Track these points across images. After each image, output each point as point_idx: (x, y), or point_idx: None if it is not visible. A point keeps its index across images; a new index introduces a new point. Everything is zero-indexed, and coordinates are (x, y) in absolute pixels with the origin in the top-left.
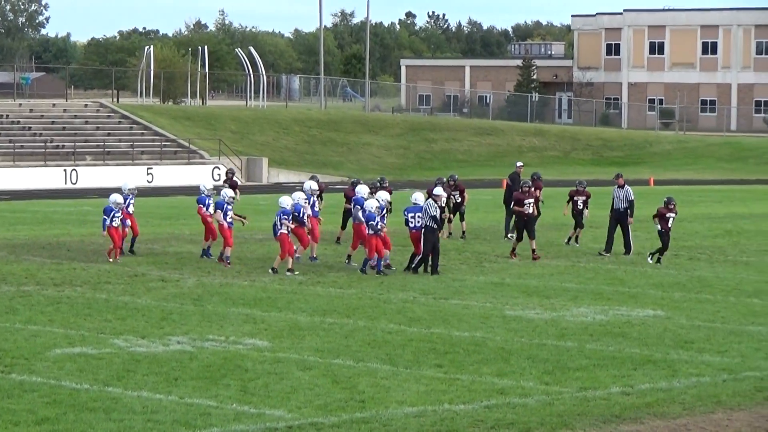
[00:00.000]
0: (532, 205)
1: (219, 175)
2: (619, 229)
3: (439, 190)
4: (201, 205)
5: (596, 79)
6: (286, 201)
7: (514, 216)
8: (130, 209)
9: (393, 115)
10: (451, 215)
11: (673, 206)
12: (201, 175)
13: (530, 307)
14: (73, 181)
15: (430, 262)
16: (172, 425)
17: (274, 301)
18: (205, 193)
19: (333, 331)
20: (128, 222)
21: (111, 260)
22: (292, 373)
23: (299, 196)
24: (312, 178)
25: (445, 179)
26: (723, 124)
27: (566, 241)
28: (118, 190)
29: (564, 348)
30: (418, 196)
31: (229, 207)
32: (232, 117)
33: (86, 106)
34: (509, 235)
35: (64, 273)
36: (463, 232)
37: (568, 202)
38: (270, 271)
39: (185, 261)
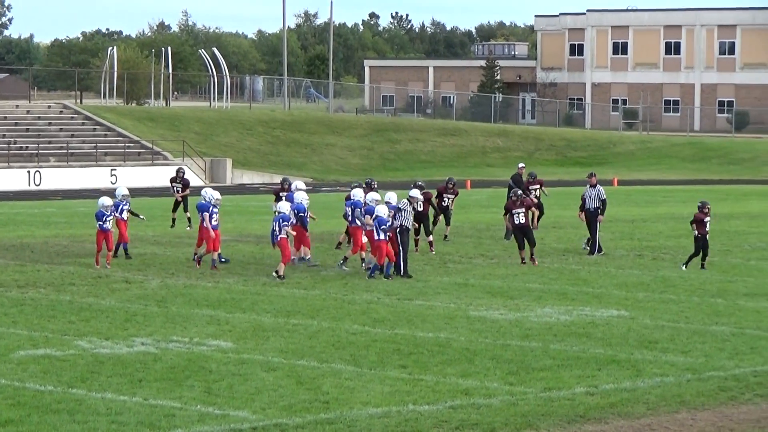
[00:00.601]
0: (523, 214)
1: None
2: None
3: (415, 192)
4: (205, 212)
5: (560, 79)
6: (285, 206)
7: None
8: (124, 215)
9: (356, 116)
10: (438, 218)
11: (708, 209)
12: (165, 176)
13: (494, 307)
14: (37, 182)
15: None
16: (137, 426)
17: (238, 302)
18: (206, 200)
19: (297, 332)
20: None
21: (98, 266)
22: (256, 375)
23: (302, 197)
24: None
25: (425, 185)
26: (686, 125)
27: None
28: (109, 194)
29: (528, 348)
30: (392, 196)
31: (216, 209)
32: (196, 118)
33: (49, 107)
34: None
35: (28, 275)
36: (445, 236)
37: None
38: (276, 277)
39: (149, 262)
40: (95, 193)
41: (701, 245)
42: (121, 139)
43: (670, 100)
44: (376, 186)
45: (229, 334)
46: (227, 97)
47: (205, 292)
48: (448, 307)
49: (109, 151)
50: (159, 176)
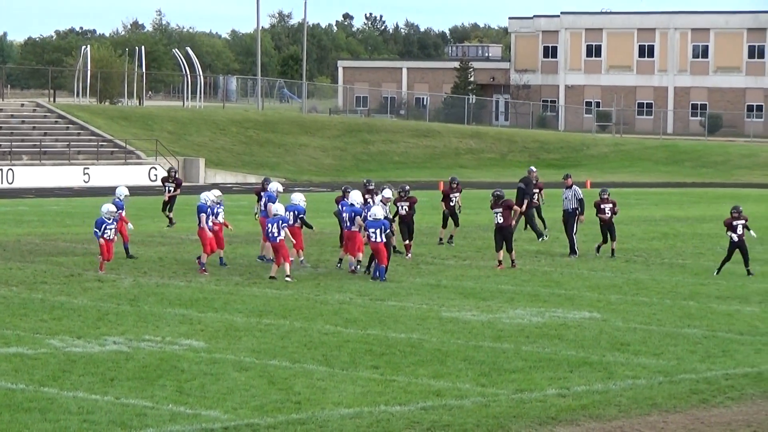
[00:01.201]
0: (501, 215)
1: (155, 175)
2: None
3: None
4: (203, 215)
5: (533, 81)
6: (280, 208)
7: (523, 218)
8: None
9: (330, 117)
10: (447, 219)
11: (738, 213)
12: (138, 175)
13: (467, 308)
14: (9, 180)
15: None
16: (108, 426)
17: (210, 301)
18: (208, 203)
19: (269, 332)
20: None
21: (102, 271)
22: (228, 374)
23: (300, 198)
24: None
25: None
26: (659, 127)
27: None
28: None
29: (500, 350)
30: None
31: (220, 208)
32: (169, 117)
33: (23, 105)
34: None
35: (0, 273)
36: (451, 236)
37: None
38: (287, 279)
39: (121, 261)
40: (68, 192)
41: (741, 248)
42: (94, 137)
43: (643, 103)
44: (372, 186)
45: (201, 333)
46: (201, 97)
47: (177, 292)
48: (421, 308)
49: (83, 149)
50: (131, 175)
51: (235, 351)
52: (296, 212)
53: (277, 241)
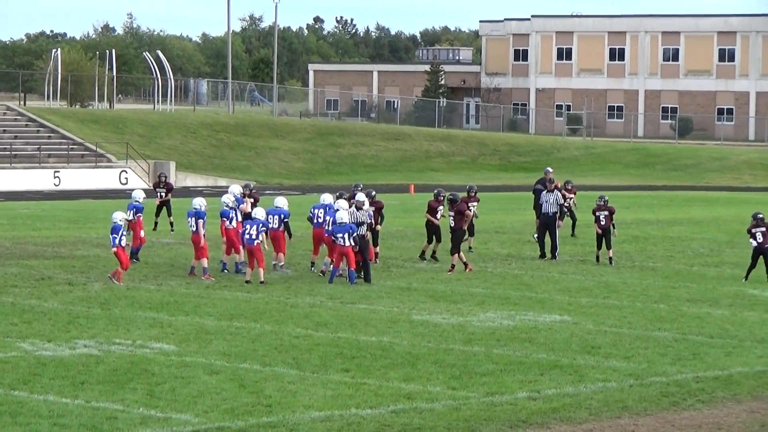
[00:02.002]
0: (451, 218)
1: (126, 178)
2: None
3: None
4: (225, 219)
5: (504, 84)
6: (261, 213)
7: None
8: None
9: (301, 120)
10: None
11: (757, 221)
12: (108, 179)
13: (437, 311)
14: None
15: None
16: (79, 429)
17: (181, 305)
18: (229, 206)
19: (240, 336)
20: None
21: (118, 282)
22: (198, 378)
23: (284, 202)
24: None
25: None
26: (630, 130)
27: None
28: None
29: (471, 353)
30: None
31: (234, 213)
32: (140, 121)
33: None
34: (535, 236)
35: None
36: (470, 247)
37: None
38: (260, 284)
39: (92, 264)
40: (38, 195)
41: (763, 255)
42: (64, 141)
43: (614, 106)
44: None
45: (171, 336)
46: (171, 100)
47: (147, 295)
48: (391, 311)
49: (53, 152)
50: (102, 178)
51: (206, 354)
52: (281, 216)
53: (254, 244)
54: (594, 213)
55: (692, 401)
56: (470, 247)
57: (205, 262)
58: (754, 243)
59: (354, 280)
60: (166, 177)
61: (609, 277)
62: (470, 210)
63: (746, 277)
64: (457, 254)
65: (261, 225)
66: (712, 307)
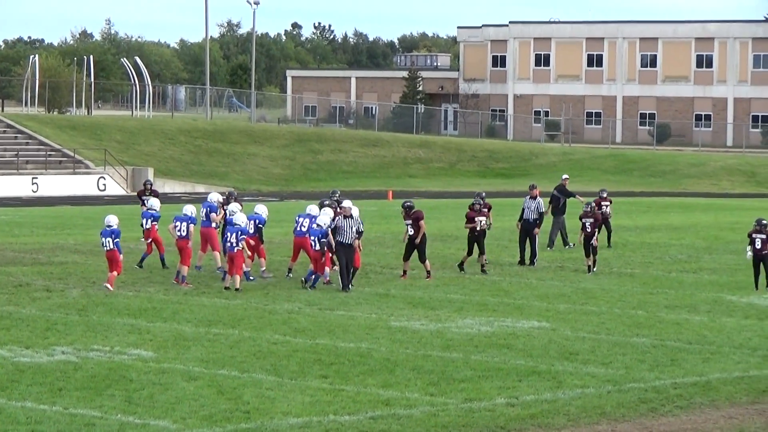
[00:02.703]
0: (483, 222)
1: (104, 185)
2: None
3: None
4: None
5: (482, 90)
6: (242, 219)
7: (557, 228)
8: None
9: (279, 126)
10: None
11: (761, 227)
12: (86, 185)
13: (415, 318)
14: None
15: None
16: None
17: (159, 311)
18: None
19: (218, 342)
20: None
21: (112, 288)
22: (177, 384)
23: (263, 209)
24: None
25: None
26: (608, 136)
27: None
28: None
29: (449, 359)
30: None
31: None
32: (118, 127)
33: None
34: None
35: None
36: (483, 266)
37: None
38: (235, 291)
39: (70, 271)
40: (16, 202)
41: (761, 262)
42: (42, 147)
43: (592, 112)
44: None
45: (149, 343)
46: (149, 106)
47: (126, 302)
48: (369, 318)
49: (31, 159)
50: (80, 185)
51: (184, 361)
52: (257, 221)
53: (234, 251)
54: (580, 219)
55: (670, 407)
56: (483, 266)
57: (185, 269)
58: (749, 252)
59: (315, 285)
60: (151, 184)
61: (587, 283)
62: (481, 222)
63: (756, 286)
64: (407, 261)
65: (240, 232)
66: (690, 314)
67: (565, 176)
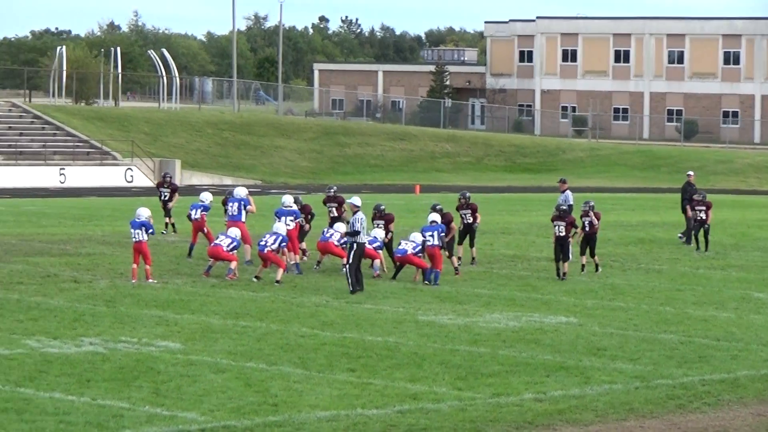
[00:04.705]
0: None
1: (132, 176)
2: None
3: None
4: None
5: (509, 85)
6: (281, 228)
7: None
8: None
9: (306, 119)
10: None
11: None
12: (114, 176)
13: (443, 312)
14: None
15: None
16: (85, 427)
17: (187, 303)
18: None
19: (246, 334)
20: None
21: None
22: (204, 376)
23: (290, 200)
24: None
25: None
26: (635, 132)
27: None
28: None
29: (477, 354)
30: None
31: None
32: (145, 119)
33: None
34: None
35: None
36: (473, 259)
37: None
38: (276, 283)
39: (98, 262)
40: (44, 192)
41: None
42: (70, 138)
43: (619, 108)
44: (330, 193)
45: (177, 335)
46: (176, 98)
47: (153, 293)
48: (397, 312)
49: (58, 150)
50: (107, 176)
51: (212, 353)
52: (294, 216)
53: (265, 251)
54: (581, 218)
55: (698, 404)
56: (473, 258)
57: (233, 264)
58: None
59: (437, 281)
60: (171, 177)
61: (615, 279)
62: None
63: None
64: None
65: (281, 240)
66: (717, 310)
67: (690, 173)
